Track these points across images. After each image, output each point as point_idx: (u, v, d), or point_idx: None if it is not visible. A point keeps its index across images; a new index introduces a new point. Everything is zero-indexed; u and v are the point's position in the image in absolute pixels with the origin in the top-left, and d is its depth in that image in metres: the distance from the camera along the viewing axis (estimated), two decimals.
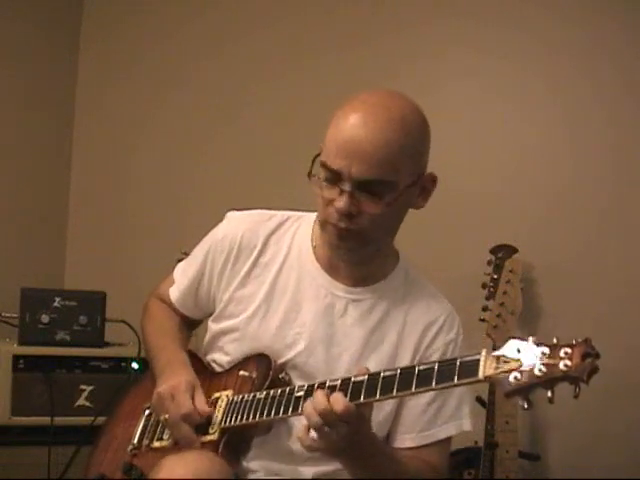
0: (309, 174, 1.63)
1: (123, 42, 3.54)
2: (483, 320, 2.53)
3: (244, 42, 3.29)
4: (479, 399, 2.46)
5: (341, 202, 1.59)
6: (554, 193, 2.70)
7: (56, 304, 2.73)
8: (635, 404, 2.47)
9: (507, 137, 2.81)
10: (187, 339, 1.92)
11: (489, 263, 2.58)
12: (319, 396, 1.46)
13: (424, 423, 1.70)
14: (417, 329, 1.72)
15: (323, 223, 1.66)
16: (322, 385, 1.52)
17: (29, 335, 2.71)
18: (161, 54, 3.47)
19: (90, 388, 2.70)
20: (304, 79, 3.17)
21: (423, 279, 1.80)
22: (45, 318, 2.70)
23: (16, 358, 2.64)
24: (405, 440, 1.71)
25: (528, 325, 2.64)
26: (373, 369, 1.60)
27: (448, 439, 1.73)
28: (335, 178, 1.60)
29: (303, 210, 1.82)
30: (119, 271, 3.37)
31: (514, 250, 2.58)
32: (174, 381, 1.69)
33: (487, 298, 2.55)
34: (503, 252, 2.58)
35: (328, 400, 1.44)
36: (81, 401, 2.69)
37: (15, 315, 2.74)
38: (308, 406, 1.47)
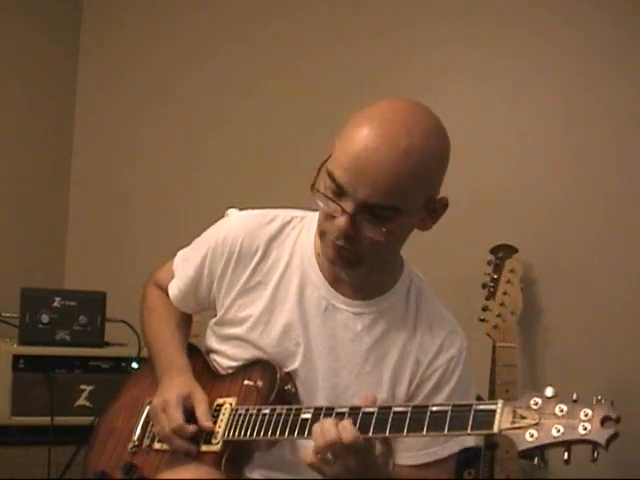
0: (312, 186, 1.54)
1: (123, 44, 3.54)
2: (483, 320, 2.52)
3: (244, 42, 3.29)
4: (479, 399, 2.45)
5: (342, 222, 1.51)
6: (554, 193, 2.70)
7: (56, 304, 2.73)
8: (636, 402, 2.47)
9: (507, 136, 2.80)
10: (188, 330, 1.90)
11: (489, 263, 2.58)
12: (328, 425, 1.42)
13: (425, 441, 1.61)
14: (417, 348, 1.66)
15: (321, 233, 1.60)
16: (330, 410, 1.49)
17: (29, 335, 2.71)
18: (161, 56, 3.47)
19: (90, 388, 2.70)
20: (304, 77, 3.17)
21: (426, 290, 1.73)
22: (45, 318, 2.71)
23: (16, 358, 2.64)
24: (404, 458, 1.64)
25: (528, 325, 2.64)
26: (372, 387, 1.60)
27: (452, 456, 1.66)
28: (339, 192, 1.51)
29: (301, 207, 1.77)
30: (119, 271, 3.37)
31: (514, 250, 2.58)
32: (167, 395, 1.67)
33: (487, 298, 2.55)
34: (503, 252, 2.58)
35: (337, 428, 1.41)
36: (81, 401, 2.70)
37: (15, 315, 2.74)
38: (316, 431, 1.44)
